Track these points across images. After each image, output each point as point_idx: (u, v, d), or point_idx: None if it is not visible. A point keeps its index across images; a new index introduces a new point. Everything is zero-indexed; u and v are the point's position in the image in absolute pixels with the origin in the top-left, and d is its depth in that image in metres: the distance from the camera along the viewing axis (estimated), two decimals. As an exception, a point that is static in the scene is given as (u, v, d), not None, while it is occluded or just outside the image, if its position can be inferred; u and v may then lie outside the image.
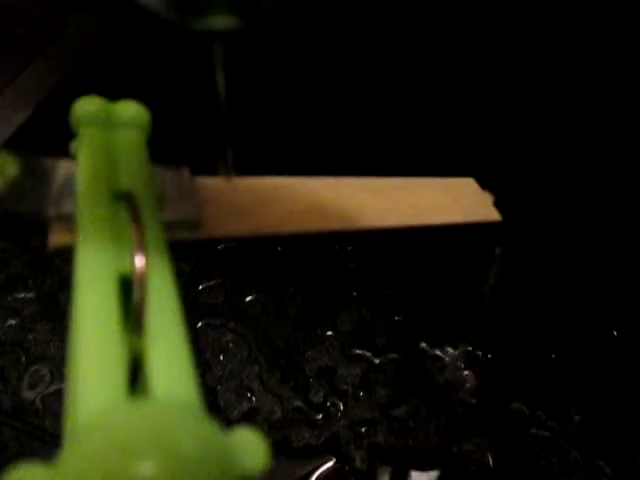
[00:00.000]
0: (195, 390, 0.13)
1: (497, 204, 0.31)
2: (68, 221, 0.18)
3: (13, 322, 0.30)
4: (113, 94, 0.40)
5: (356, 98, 0.43)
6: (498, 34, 0.44)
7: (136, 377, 0.14)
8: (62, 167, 0.20)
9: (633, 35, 0.40)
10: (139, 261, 0.14)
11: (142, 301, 0.14)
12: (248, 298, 0.31)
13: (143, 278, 0.14)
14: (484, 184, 0.32)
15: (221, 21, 0.13)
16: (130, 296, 0.15)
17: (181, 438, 0.11)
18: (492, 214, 0.30)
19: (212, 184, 0.23)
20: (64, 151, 0.22)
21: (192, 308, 0.30)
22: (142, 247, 0.15)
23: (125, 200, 0.17)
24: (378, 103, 0.43)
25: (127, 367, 0.13)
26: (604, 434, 0.28)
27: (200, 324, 0.30)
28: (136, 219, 0.15)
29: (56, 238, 0.18)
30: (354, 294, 0.32)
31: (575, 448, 0.28)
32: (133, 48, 0.45)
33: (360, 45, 0.45)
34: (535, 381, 0.30)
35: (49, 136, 0.35)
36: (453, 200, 0.29)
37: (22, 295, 0.31)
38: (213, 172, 0.23)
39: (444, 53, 0.45)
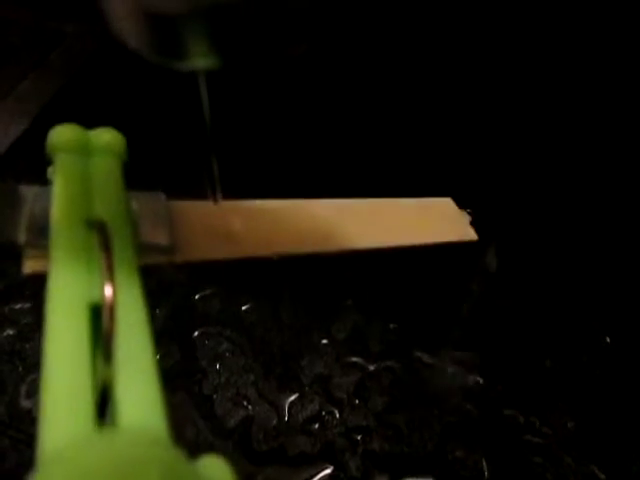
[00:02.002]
0: (163, 420, 0.13)
1: (474, 223, 0.31)
2: (42, 248, 0.18)
3: (10, 332, 0.30)
4: (110, 105, 0.41)
5: (333, 118, 0.44)
6: (480, 57, 0.45)
7: (106, 406, 0.14)
8: (35, 194, 0.20)
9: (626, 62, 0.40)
10: (107, 290, 0.14)
11: (110, 330, 0.14)
12: (244, 307, 0.31)
13: (112, 307, 0.14)
14: (461, 204, 0.33)
15: (202, 62, 0.14)
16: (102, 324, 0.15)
17: (147, 470, 0.11)
18: (469, 234, 0.30)
19: (197, 207, 0.23)
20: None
21: (188, 317, 0.31)
22: (111, 276, 0.15)
23: (97, 228, 0.17)
24: (355, 123, 0.43)
25: (96, 397, 0.13)
26: (597, 440, 0.29)
27: (196, 333, 0.30)
28: (106, 248, 0.15)
29: (30, 264, 0.18)
30: (349, 302, 0.32)
31: (569, 454, 0.28)
32: (131, 59, 0.46)
33: (342, 69, 0.46)
34: (529, 388, 0.30)
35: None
36: (430, 220, 0.29)
37: (19, 305, 0.31)
38: (199, 195, 0.23)
39: (422, 73, 0.46)
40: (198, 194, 0.23)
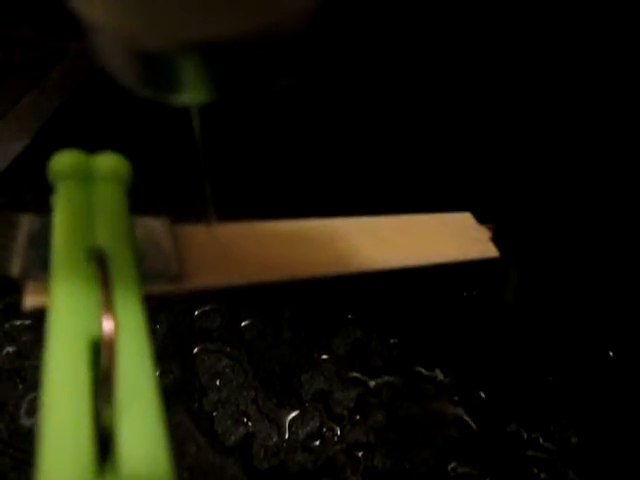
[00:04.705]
0: (167, 466, 0.13)
1: (495, 239, 0.30)
2: (43, 281, 0.17)
3: (10, 349, 0.30)
4: (111, 122, 0.41)
5: (347, 132, 0.43)
6: (489, 67, 0.45)
7: (108, 450, 0.13)
8: (34, 223, 0.19)
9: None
10: (107, 326, 0.14)
11: (110, 369, 0.13)
12: (244, 323, 0.31)
13: (111, 344, 0.14)
14: (481, 219, 0.32)
15: (190, 97, 0.14)
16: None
17: None
18: (489, 250, 0.29)
19: (204, 232, 0.22)
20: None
21: (188, 333, 0.31)
22: (110, 312, 0.14)
23: (97, 259, 0.16)
24: (369, 136, 0.43)
25: (95, 442, 0.13)
26: (601, 455, 0.28)
27: (196, 349, 0.30)
28: (105, 280, 0.15)
29: (31, 299, 0.17)
30: (349, 317, 0.32)
31: (572, 469, 0.28)
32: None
33: (353, 75, 0.46)
34: (532, 403, 0.30)
35: (47, 164, 0.35)
36: (449, 237, 0.28)
37: (19, 322, 0.31)
38: (196, 219, 0.22)
39: (438, 85, 0.45)
40: (204, 217, 0.22)
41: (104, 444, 0.13)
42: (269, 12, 0.11)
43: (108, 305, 0.14)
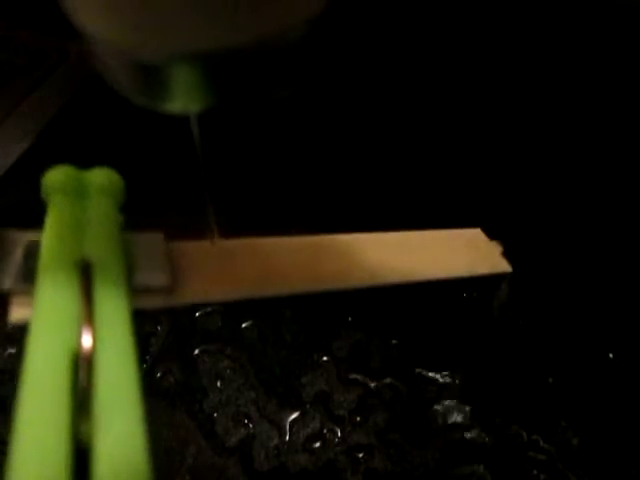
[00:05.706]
0: None
1: (506, 254, 0.30)
2: (30, 294, 0.16)
3: (12, 350, 0.30)
4: (112, 125, 0.41)
5: (353, 147, 0.43)
6: (497, 78, 0.45)
7: (87, 468, 0.12)
8: (27, 239, 0.19)
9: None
10: (85, 340, 0.13)
11: (87, 385, 0.13)
12: (244, 324, 0.31)
13: (89, 359, 0.13)
14: (492, 234, 0.32)
15: (188, 106, 0.14)
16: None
17: None
18: (501, 265, 0.29)
19: (198, 248, 0.22)
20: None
21: (189, 335, 0.31)
22: (90, 325, 0.13)
23: (82, 272, 0.15)
24: (379, 152, 0.43)
25: (71, 460, 0.12)
26: (601, 457, 0.28)
27: (197, 351, 0.30)
28: (87, 292, 0.14)
29: (17, 312, 0.17)
30: (349, 319, 0.32)
31: (573, 472, 0.28)
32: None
33: (359, 87, 0.46)
34: (532, 404, 0.30)
35: (49, 166, 0.35)
36: (460, 252, 0.28)
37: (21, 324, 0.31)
38: (200, 235, 0.22)
39: (446, 102, 0.45)
40: (200, 234, 0.22)
41: (83, 461, 0.12)
42: (266, 25, 0.11)
43: (88, 318, 0.14)
